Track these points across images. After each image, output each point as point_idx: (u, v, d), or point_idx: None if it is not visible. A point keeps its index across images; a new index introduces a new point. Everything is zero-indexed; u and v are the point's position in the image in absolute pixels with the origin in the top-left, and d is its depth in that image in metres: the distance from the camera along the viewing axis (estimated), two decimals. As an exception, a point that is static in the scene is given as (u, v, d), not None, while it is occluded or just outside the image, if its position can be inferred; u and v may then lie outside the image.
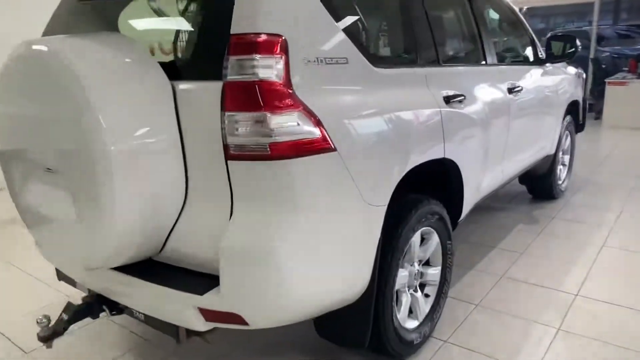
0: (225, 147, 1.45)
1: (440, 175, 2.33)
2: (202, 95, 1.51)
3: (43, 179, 1.68)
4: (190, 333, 1.71)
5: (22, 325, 2.52)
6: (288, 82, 1.47)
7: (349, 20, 1.77)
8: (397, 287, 2.05)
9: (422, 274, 2.27)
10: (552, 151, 3.87)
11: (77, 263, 1.71)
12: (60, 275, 2.11)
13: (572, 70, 4.25)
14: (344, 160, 1.59)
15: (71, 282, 2.04)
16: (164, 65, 1.59)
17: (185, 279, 1.62)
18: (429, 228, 2.20)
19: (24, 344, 2.37)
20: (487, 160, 2.66)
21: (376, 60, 1.86)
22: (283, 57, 1.46)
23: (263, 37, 1.44)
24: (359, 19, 1.84)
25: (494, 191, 2.98)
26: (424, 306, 2.27)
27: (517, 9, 3.50)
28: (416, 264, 2.21)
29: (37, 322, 1.81)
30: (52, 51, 1.47)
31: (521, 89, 3.02)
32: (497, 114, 2.71)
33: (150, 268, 1.71)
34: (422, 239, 2.23)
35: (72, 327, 1.91)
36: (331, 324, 1.94)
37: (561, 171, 4.33)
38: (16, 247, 3.65)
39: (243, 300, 1.50)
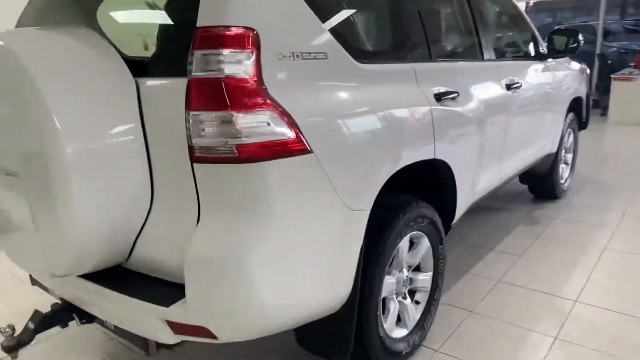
0: (191, 148, 1.35)
1: (432, 177, 2.22)
2: (167, 93, 1.41)
3: (4, 184, 1.58)
4: (160, 345, 1.62)
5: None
6: (259, 78, 1.36)
7: (329, 12, 1.66)
8: (383, 295, 1.95)
9: (411, 280, 2.16)
10: (554, 150, 3.75)
11: (41, 270, 1.62)
12: (34, 280, 2.02)
13: (575, 65, 4.12)
14: (321, 163, 1.48)
15: (44, 287, 1.96)
16: (129, 61, 1.48)
17: (154, 289, 1.52)
18: (419, 232, 2.09)
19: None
20: (483, 161, 2.54)
21: (360, 55, 1.74)
22: (253, 51, 1.35)
23: (231, 31, 1.33)
24: (341, 11, 1.72)
25: (491, 192, 2.87)
26: (414, 314, 2.17)
27: (517, 3, 3.37)
28: (405, 270, 2.10)
29: (1, 332, 1.71)
30: (3, 46, 1.37)
31: (520, 86, 2.90)
32: (494, 111, 2.59)
33: (121, 276, 1.61)
34: (412, 244, 2.12)
35: (41, 335, 1.82)
36: (312, 335, 1.83)
37: (563, 170, 4.20)
38: None
39: (210, 313, 1.40)
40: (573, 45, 3.35)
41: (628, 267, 2.93)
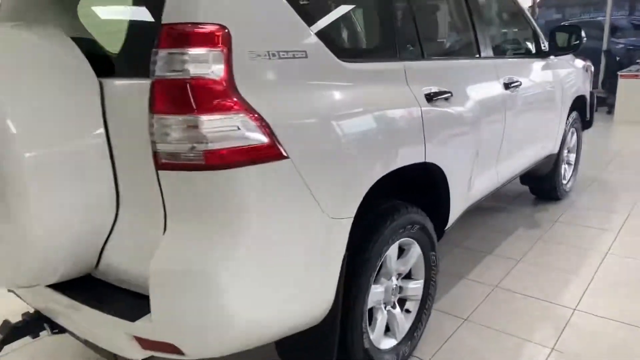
0: (155, 154, 1.26)
1: (423, 181, 2.13)
2: (131, 94, 1.32)
3: None
4: (129, 360, 1.54)
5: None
6: (229, 80, 1.27)
7: (310, 7, 1.57)
8: (370, 305, 1.86)
9: (401, 289, 2.07)
10: (556, 150, 3.63)
11: (4, 281, 1.54)
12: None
13: (579, 63, 4.00)
14: (299, 169, 1.39)
15: (18, 295, 1.88)
16: (99, 60, 1.40)
17: (122, 301, 1.44)
18: (409, 239, 2.00)
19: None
20: (479, 163, 2.44)
21: (344, 53, 1.65)
22: (223, 50, 1.26)
23: (199, 28, 1.24)
24: (324, 6, 1.63)
25: (487, 195, 2.76)
26: (404, 323, 2.08)
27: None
28: (394, 278, 2.01)
29: (-32, 343, 1.64)
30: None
31: (520, 84, 2.79)
32: (490, 112, 2.48)
33: (90, 287, 1.53)
34: (402, 251, 2.03)
35: (13, 344, 1.75)
36: (292, 347, 1.75)
37: (566, 171, 4.09)
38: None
39: (177, 329, 1.32)
40: (576, 42, 3.23)
41: (631, 274, 2.82)
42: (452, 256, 3.09)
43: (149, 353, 1.44)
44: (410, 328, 2.11)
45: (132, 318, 1.34)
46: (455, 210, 2.28)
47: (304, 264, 1.47)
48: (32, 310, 1.80)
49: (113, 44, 1.49)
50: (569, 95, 3.62)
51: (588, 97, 4.11)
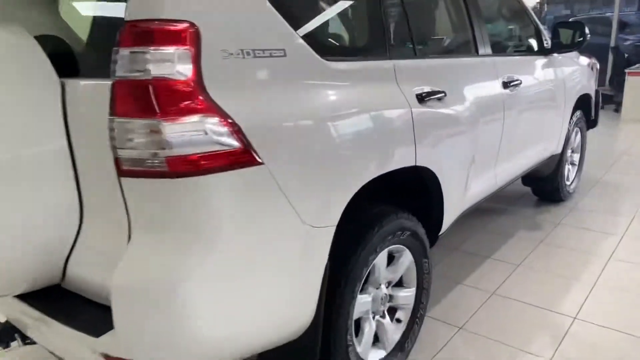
0: (117, 161, 1.18)
1: (415, 185, 2.03)
2: (92, 95, 1.24)
3: None
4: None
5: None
6: (197, 80, 1.18)
7: (290, 2, 1.47)
8: (357, 315, 1.77)
9: (391, 297, 1.98)
10: (559, 150, 3.52)
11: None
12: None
13: (584, 60, 3.87)
14: (275, 176, 1.31)
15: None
16: (58, 59, 1.32)
17: (89, 314, 1.36)
18: (399, 246, 1.91)
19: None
20: (476, 166, 2.34)
21: (328, 51, 1.56)
22: (190, 49, 1.17)
23: (164, 25, 1.15)
24: (306, 0, 1.53)
25: (486, 198, 2.66)
26: (394, 334, 1.99)
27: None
28: (383, 287, 1.92)
29: None
30: None
31: (520, 83, 2.68)
32: (488, 112, 2.38)
33: (59, 299, 1.45)
34: (392, 258, 1.94)
35: None
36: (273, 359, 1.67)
37: (569, 171, 3.97)
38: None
39: (143, 347, 1.24)
40: (579, 40, 3.11)
41: (635, 280, 2.71)
42: (448, 260, 2.99)
43: (116, 369, 1.36)
44: (401, 338, 2.03)
45: (96, 333, 1.26)
46: (450, 215, 2.18)
47: (281, 276, 1.39)
48: (3, 320, 1.73)
49: (79, 42, 1.40)
50: (572, 93, 3.51)
51: (593, 95, 3.98)
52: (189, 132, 1.15)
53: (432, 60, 2.09)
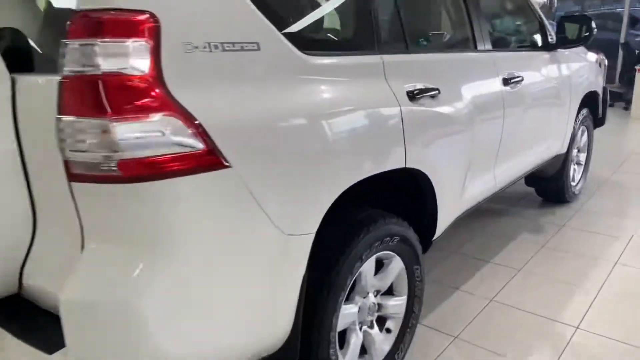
0: (66, 164, 1.08)
1: (406, 188, 1.92)
2: (44, 93, 1.14)
3: None
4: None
5: None
6: (155, 76, 1.08)
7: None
8: (342, 327, 1.67)
9: (380, 307, 1.87)
10: (563, 150, 3.38)
11: None
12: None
13: (591, 56, 3.73)
14: (245, 180, 1.20)
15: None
16: (13, 53, 1.22)
17: (44, 329, 1.26)
18: (388, 252, 1.79)
19: None
20: (473, 167, 2.22)
21: (308, 45, 1.44)
22: (148, 41, 1.07)
23: (116, 15, 1.05)
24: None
25: (484, 200, 2.54)
26: (383, 345, 1.88)
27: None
28: (371, 296, 1.81)
29: None
30: None
31: (521, 80, 2.56)
32: (486, 110, 2.26)
33: (17, 311, 1.36)
34: (381, 264, 1.83)
35: None
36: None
37: (575, 171, 3.83)
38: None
39: (96, 365, 1.14)
40: (586, 34, 2.97)
41: (641, 287, 2.59)
42: (445, 264, 2.87)
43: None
44: (391, 349, 1.92)
45: (49, 350, 1.17)
46: (444, 219, 2.07)
47: (252, 288, 1.29)
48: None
49: (35, 35, 1.31)
50: (579, 91, 3.37)
51: (601, 92, 3.84)
52: (144, 133, 1.05)
53: (425, 56, 1.97)
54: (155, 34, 1.08)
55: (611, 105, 7.34)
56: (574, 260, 2.89)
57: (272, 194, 1.27)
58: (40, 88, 1.19)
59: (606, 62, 4.09)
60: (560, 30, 3.02)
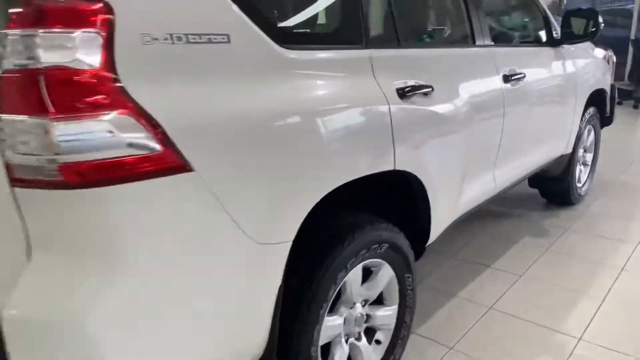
0: (7, 167, 0.98)
1: (397, 191, 1.81)
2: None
3: None
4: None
5: None
6: (106, 70, 0.97)
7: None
8: (325, 340, 1.56)
9: (369, 317, 1.76)
10: (569, 150, 3.25)
11: None
12: None
13: (599, 52, 3.59)
14: (210, 185, 1.10)
15: None
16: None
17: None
18: (377, 260, 1.69)
19: None
20: (470, 169, 2.10)
21: (286, 37, 1.34)
22: (98, 32, 0.97)
23: (63, 3, 0.95)
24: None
25: (484, 203, 2.43)
26: (372, 357, 1.78)
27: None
28: (359, 306, 1.70)
29: None
30: None
31: (523, 77, 2.43)
32: (484, 108, 2.14)
33: None
34: (370, 272, 1.72)
35: None
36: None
37: (581, 172, 3.70)
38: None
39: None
40: (593, 29, 2.83)
41: (648, 295, 2.46)
42: (443, 269, 2.75)
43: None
44: (380, 362, 1.82)
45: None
46: (438, 224, 1.95)
47: (220, 302, 1.19)
48: None
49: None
50: (585, 88, 3.23)
51: (608, 90, 3.69)
52: (90, 134, 0.94)
53: (418, 51, 1.86)
54: (107, 24, 0.98)
55: (620, 104, 7.17)
56: (578, 266, 2.77)
57: (242, 200, 1.16)
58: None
59: (614, 58, 3.93)
60: (565, 25, 2.88)
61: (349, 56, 1.53)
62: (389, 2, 1.70)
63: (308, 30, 1.53)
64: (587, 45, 3.38)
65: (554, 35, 2.90)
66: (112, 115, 0.97)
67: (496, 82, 2.23)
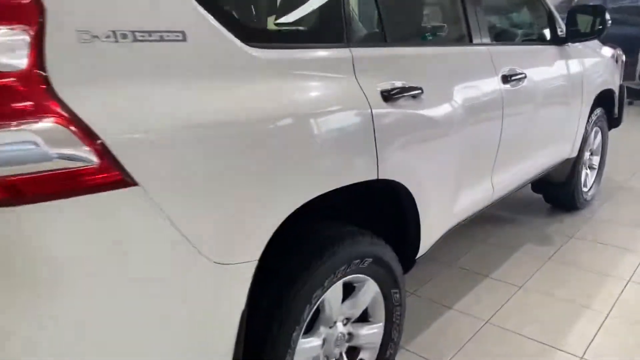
0: None
1: (383, 201, 1.68)
2: None
3: None
4: None
5: None
6: (33, 73, 0.86)
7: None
8: (302, 362, 1.44)
9: (351, 336, 1.64)
10: (574, 154, 3.10)
11: None
12: None
13: (607, 51, 3.43)
14: (158, 200, 0.98)
15: None
16: None
17: None
18: (359, 275, 1.56)
19: None
20: (465, 175, 1.97)
21: (254, 35, 1.22)
22: (24, 28, 0.85)
23: (-19, -4, 0.84)
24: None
25: (479, 211, 2.29)
26: (353, 379, 1.66)
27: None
28: (340, 325, 1.58)
29: None
30: None
31: (524, 77, 2.29)
32: (481, 111, 2.01)
33: None
34: (352, 288, 1.60)
35: None
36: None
37: (587, 176, 3.54)
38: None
39: None
40: (599, 27, 2.68)
41: (656, 310, 2.31)
42: (438, 279, 2.62)
43: None
44: (364, 384, 1.69)
45: None
46: (429, 235, 1.82)
47: (173, 331, 1.07)
48: None
49: None
50: (591, 88, 3.07)
51: (617, 91, 3.53)
52: (11, 145, 0.82)
53: (407, 49, 1.72)
54: (35, 20, 0.86)
55: (630, 104, 6.97)
56: (582, 277, 2.62)
57: (195, 215, 1.04)
58: None
59: (624, 57, 3.76)
60: (570, 22, 2.73)
61: (327, 55, 1.40)
62: (375, -4, 1.57)
63: (280, 27, 1.40)
64: (595, 43, 3.23)
65: (559, 33, 2.75)
66: (39, 123, 0.85)
67: (494, 83, 2.09)
